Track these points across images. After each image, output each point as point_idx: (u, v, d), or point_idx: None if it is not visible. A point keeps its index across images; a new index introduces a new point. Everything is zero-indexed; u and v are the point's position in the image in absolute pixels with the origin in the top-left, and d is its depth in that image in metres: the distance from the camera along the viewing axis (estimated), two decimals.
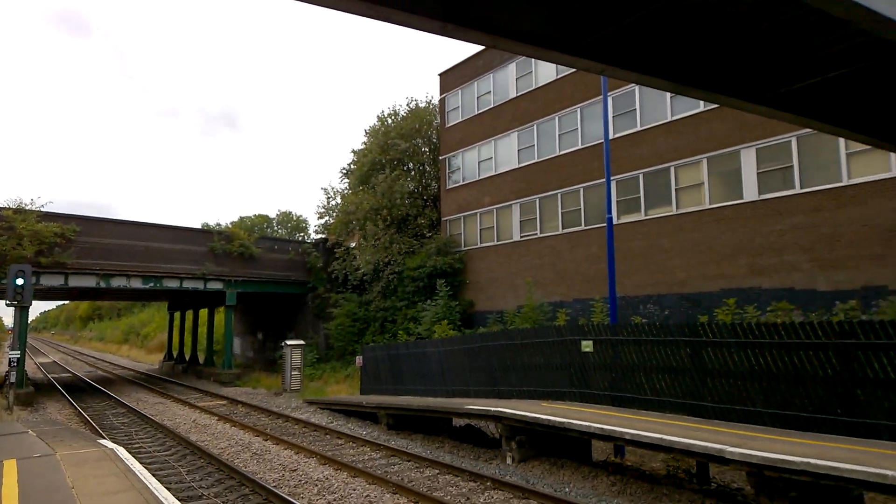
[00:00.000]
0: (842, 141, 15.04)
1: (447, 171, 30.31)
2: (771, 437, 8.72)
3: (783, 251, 16.34)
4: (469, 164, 28.87)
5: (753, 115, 12.25)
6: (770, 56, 8.68)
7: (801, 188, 16.21)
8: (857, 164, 15.29)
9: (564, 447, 11.99)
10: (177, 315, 42.73)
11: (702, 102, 17.91)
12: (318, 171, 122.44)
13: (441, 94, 31.14)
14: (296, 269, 33.73)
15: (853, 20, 6.23)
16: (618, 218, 20.53)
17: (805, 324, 9.66)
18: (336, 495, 9.84)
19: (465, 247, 28.23)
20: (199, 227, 47.09)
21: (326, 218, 37.53)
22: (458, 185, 29.48)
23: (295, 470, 11.64)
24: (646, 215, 20.22)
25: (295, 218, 69.44)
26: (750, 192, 17.36)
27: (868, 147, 13.49)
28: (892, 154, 14.27)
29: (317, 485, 10.51)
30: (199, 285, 29.76)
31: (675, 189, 19.43)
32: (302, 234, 66.05)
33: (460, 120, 29.63)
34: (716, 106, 17.18)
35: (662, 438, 8.88)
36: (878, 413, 8.59)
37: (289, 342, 26.35)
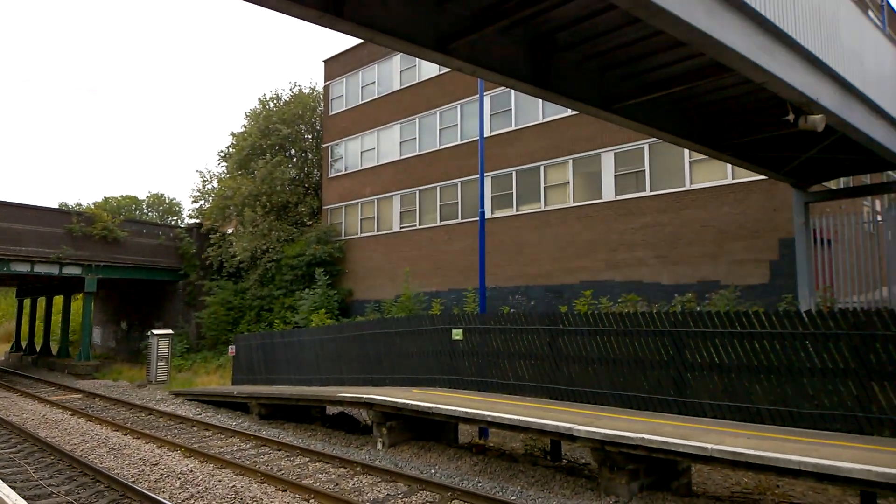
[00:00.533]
0: (686, 150, 16.79)
1: (330, 159, 29.98)
2: (615, 416, 9.62)
3: (634, 248, 18.02)
4: (352, 153, 28.76)
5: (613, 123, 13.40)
6: (619, 70, 9.60)
7: (651, 191, 17.96)
8: (698, 172, 17.17)
9: (433, 431, 12.50)
10: (27, 302, 39.01)
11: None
12: (194, 152, 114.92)
13: (325, 82, 30.67)
14: (166, 254, 31.91)
15: (691, 42, 7.08)
16: (491, 212, 21.50)
17: (645, 314, 10.76)
18: (200, 487, 9.60)
19: (345, 236, 28.15)
20: (55, 206, 42.91)
21: (202, 202, 35.86)
22: (340, 174, 29.27)
23: (157, 464, 11.17)
24: (517, 211, 21.36)
25: (167, 201, 65.27)
26: (608, 192, 18.94)
27: (706, 157, 15.19)
28: (728, 164, 16.17)
29: (180, 478, 10.18)
30: (54, 270, 27.39)
31: (544, 187, 20.70)
32: (175, 219, 62.31)
33: (344, 108, 29.38)
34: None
35: (520, 420, 9.55)
36: (703, 394, 9.72)
37: (155, 331, 25.05)
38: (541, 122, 21.01)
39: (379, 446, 12.17)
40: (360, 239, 27.45)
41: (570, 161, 20.01)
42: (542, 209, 20.61)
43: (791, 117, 8.84)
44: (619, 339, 10.86)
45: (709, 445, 7.46)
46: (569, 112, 19.85)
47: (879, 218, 14.50)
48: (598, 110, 9.90)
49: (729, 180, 16.64)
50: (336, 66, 30.03)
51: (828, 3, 9.14)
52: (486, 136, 18.97)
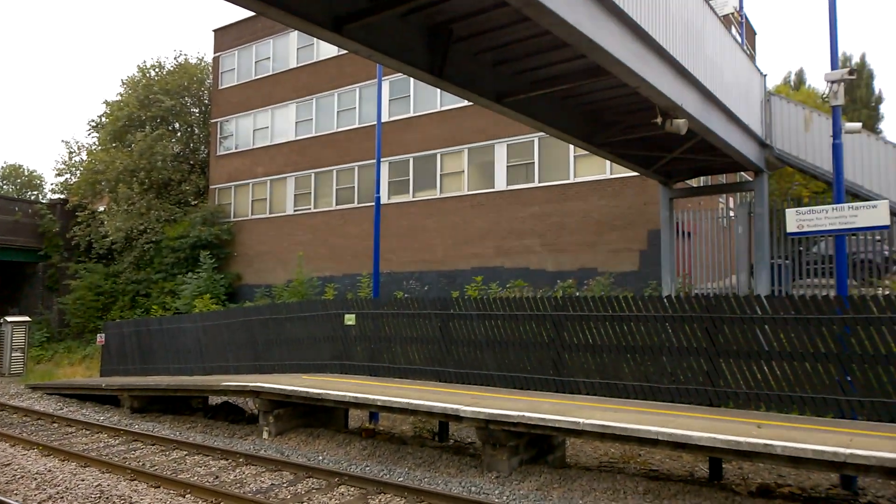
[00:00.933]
0: (571, 146, 17.72)
1: (219, 136, 28.50)
2: (499, 396, 10.03)
3: (523, 236, 18.84)
4: (243, 131, 27.53)
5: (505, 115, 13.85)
6: (511, 65, 9.94)
7: (539, 182, 18.84)
8: (581, 166, 18.21)
9: (323, 418, 12.40)
10: None
11: None
12: (58, 120, 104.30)
13: (215, 53, 29.03)
14: (23, 233, 28.93)
15: (574, 43, 7.48)
16: (388, 198, 21.53)
17: (530, 299, 11.29)
18: (60, 488, 8.88)
19: (234, 218, 26.98)
20: None
21: (67, 176, 32.76)
22: (230, 152, 27.93)
23: (8, 464, 10.20)
24: (414, 197, 21.55)
25: (26, 173, 58.85)
26: (500, 182, 19.63)
27: (587, 152, 16.13)
28: (606, 160, 17.25)
29: (36, 478, 9.36)
30: None
31: (440, 174, 21.03)
32: (35, 193, 56.46)
33: (236, 83, 28.01)
34: None
35: (409, 403, 9.70)
36: (579, 373, 10.38)
37: (9, 318, 22.78)
38: (438, 110, 21.27)
39: (265, 435, 11.88)
40: (250, 221, 26.41)
41: (466, 150, 20.46)
42: (438, 196, 20.94)
43: (659, 120, 9.61)
44: (505, 323, 11.30)
45: (581, 420, 8.00)
46: (465, 102, 20.04)
47: (732, 214, 16.17)
48: (491, 103, 10.18)
49: (607, 175, 17.78)
50: (228, 38, 28.49)
51: (696, 18, 10.02)
52: (384, 121, 18.93)
